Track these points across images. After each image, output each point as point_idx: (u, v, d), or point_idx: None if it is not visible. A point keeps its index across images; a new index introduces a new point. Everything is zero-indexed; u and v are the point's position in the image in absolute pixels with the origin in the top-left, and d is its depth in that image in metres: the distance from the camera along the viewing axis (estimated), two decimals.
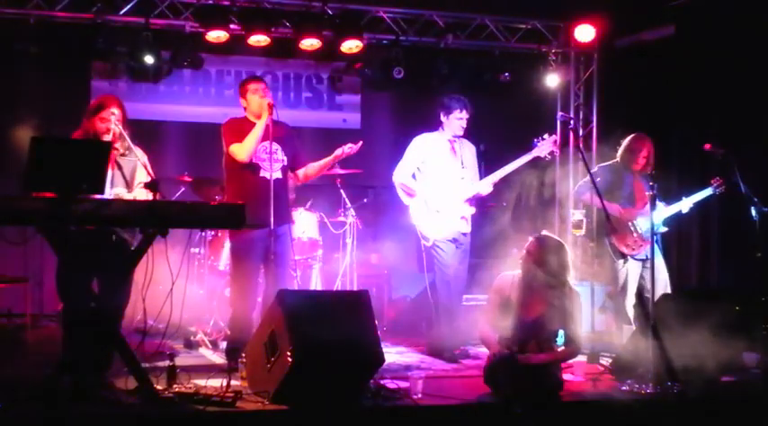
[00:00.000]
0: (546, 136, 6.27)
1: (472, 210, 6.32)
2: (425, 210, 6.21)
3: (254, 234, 5.30)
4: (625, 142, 6.54)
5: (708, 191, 6.52)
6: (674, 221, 6.73)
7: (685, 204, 6.50)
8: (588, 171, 5.90)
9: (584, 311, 5.48)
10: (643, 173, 6.48)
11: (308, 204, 7.25)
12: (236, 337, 5.45)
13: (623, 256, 6.36)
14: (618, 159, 6.56)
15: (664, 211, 6.38)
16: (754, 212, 6.02)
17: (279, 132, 5.53)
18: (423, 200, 6.22)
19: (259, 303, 5.61)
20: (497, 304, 5.06)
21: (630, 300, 6.43)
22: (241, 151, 5.39)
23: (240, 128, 5.47)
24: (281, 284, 5.27)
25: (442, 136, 6.35)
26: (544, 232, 5.17)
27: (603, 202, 5.70)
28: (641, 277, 6.41)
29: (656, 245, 6.32)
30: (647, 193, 6.30)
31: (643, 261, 6.38)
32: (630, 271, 6.39)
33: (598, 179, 6.23)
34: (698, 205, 6.59)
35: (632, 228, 6.37)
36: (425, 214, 6.21)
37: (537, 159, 6.27)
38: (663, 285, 6.29)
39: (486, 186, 6.25)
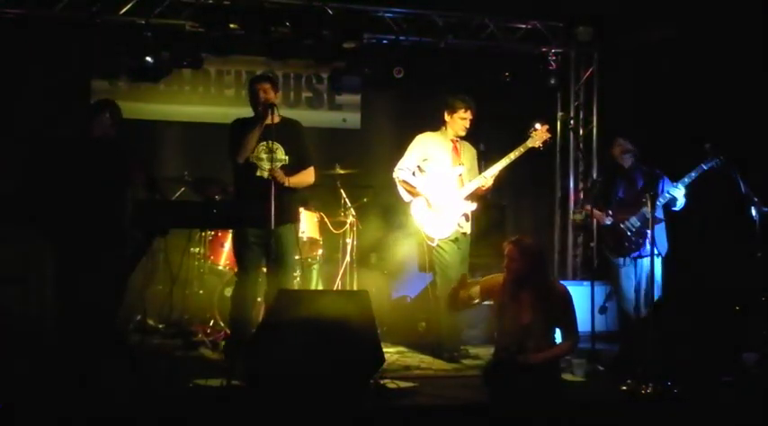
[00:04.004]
0: (538, 125, 6.28)
1: (473, 207, 6.32)
2: (428, 209, 6.21)
3: (253, 232, 5.30)
4: (610, 148, 6.63)
5: (702, 168, 6.13)
6: (675, 218, 6.72)
7: (677, 191, 6.21)
8: (589, 173, 5.90)
9: (583, 311, 5.49)
10: (636, 170, 6.50)
11: (308, 204, 7.25)
12: (234, 336, 5.45)
13: (620, 255, 6.40)
14: (609, 162, 6.63)
15: (658, 204, 6.37)
16: (754, 212, 6.01)
17: (283, 131, 5.52)
18: (425, 199, 6.22)
19: (259, 302, 5.61)
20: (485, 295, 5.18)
21: (628, 298, 6.45)
22: (236, 153, 5.42)
23: (243, 128, 5.48)
24: (281, 284, 5.27)
25: (444, 135, 6.36)
26: (518, 236, 5.17)
27: (596, 211, 5.75)
28: (635, 274, 6.45)
29: (649, 243, 6.36)
30: (639, 191, 6.33)
31: (636, 259, 6.42)
32: (626, 270, 6.42)
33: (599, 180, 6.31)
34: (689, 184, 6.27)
35: (625, 228, 6.39)
36: (428, 213, 6.20)
37: (532, 150, 6.28)
38: (657, 285, 6.33)
39: (485, 179, 6.24)
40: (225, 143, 5.58)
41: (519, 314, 4.94)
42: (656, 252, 6.26)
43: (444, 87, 7.95)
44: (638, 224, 6.33)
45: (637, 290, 6.47)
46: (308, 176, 5.66)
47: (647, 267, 6.38)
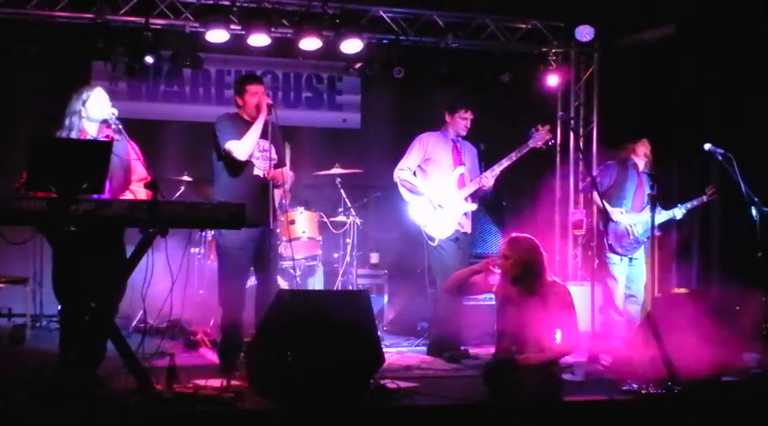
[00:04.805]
0: (540, 126, 6.29)
1: (474, 207, 6.32)
2: (429, 209, 6.20)
3: (248, 233, 5.26)
4: (633, 143, 6.61)
5: (702, 200, 6.69)
6: (674, 222, 6.82)
7: (678, 211, 6.64)
8: (589, 172, 5.92)
9: (583, 311, 5.48)
10: (644, 175, 6.56)
11: (308, 204, 7.26)
12: (228, 337, 5.43)
13: (615, 253, 6.45)
14: (625, 157, 6.63)
15: (657, 217, 6.42)
16: (754, 212, 6.03)
17: (273, 131, 5.52)
18: (426, 199, 6.22)
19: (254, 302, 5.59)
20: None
21: (620, 296, 6.50)
22: (240, 149, 5.35)
23: (235, 125, 5.45)
24: (273, 280, 5.26)
25: (445, 135, 6.36)
26: (514, 234, 5.16)
27: (605, 204, 5.80)
28: (627, 273, 6.51)
29: (643, 247, 6.50)
30: (646, 195, 6.37)
31: (631, 260, 6.49)
32: (620, 269, 6.47)
33: (598, 178, 6.37)
34: (690, 210, 6.75)
35: (629, 231, 6.44)
36: (429, 213, 6.20)
37: (534, 150, 6.28)
38: (642, 287, 6.49)
39: (486, 179, 6.24)
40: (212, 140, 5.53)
41: (518, 313, 4.93)
42: (645, 256, 6.41)
43: (444, 87, 7.98)
44: (641, 231, 6.42)
45: (627, 288, 6.54)
46: (288, 174, 5.70)
47: (639, 267, 6.47)
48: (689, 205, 6.65)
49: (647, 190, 6.44)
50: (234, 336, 5.35)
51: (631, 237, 6.45)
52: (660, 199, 6.51)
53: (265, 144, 5.38)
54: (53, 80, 7.64)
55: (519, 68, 8.42)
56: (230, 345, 5.32)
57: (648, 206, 6.39)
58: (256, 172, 5.41)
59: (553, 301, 4.92)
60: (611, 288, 6.51)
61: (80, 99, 4.88)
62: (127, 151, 4.83)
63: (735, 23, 7.21)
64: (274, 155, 5.51)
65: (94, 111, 4.85)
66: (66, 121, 4.85)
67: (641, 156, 6.59)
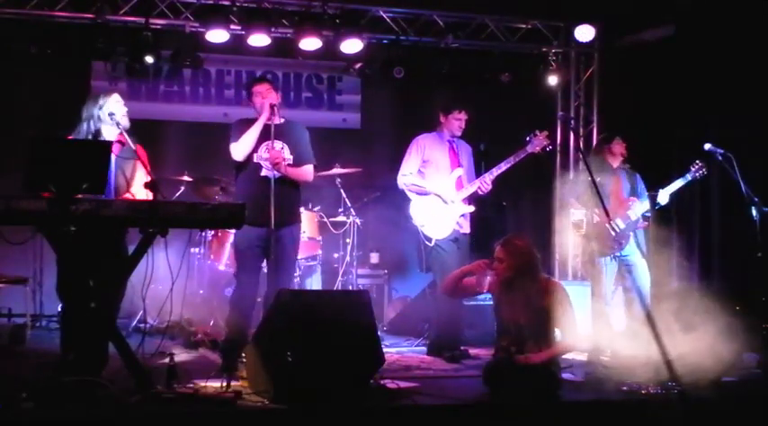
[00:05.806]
0: (537, 132, 6.30)
1: (471, 209, 6.33)
2: (428, 210, 6.21)
3: (254, 233, 5.28)
4: (609, 143, 6.58)
5: (687, 178, 6.41)
6: (671, 219, 6.78)
7: (663, 195, 6.39)
8: (590, 172, 5.89)
9: (584, 311, 5.48)
10: (621, 168, 6.55)
11: (310, 205, 7.26)
12: (232, 336, 5.43)
13: (603, 254, 6.42)
14: (597, 158, 6.62)
15: (640, 207, 6.39)
16: (754, 212, 6.02)
17: (286, 131, 5.52)
18: (435, 196, 6.23)
19: (259, 302, 5.60)
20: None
21: (608, 298, 6.47)
22: (236, 150, 5.41)
23: (245, 127, 5.47)
24: (280, 285, 5.27)
25: (441, 136, 6.37)
26: (507, 236, 5.16)
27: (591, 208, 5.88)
28: (623, 276, 6.47)
29: (634, 242, 6.39)
30: (626, 189, 6.39)
31: (622, 256, 6.45)
32: (609, 269, 6.42)
33: (581, 178, 6.37)
34: (676, 196, 6.51)
35: (610, 228, 6.40)
36: (428, 214, 6.21)
37: (531, 155, 6.28)
38: (646, 286, 6.38)
39: (485, 185, 6.25)
40: (225, 143, 5.56)
41: (515, 314, 4.94)
42: (641, 252, 6.37)
43: (444, 87, 7.98)
44: (623, 225, 6.36)
45: (627, 288, 6.51)
46: (305, 172, 5.63)
47: (631, 266, 6.43)
48: (672, 188, 6.38)
49: (627, 185, 6.44)
50: (237, 336, 5.34)
51: (613, 234, 6.40)
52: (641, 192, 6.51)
53: (275, 144, 5.37)
54: (53, 80, 7.66)
55: (519, 68, 8.42)
56: (232, 345, 5.32)
57: (631, 204, 6.42)
58: (264, 173, 5.41)
59: (550, 300, 4.92)
60: (595, 287, 6.49)
61: (97, 104, 4.91)
62: (134, 155, 4.85)
63: (735, 23, 7.21)
64: (289, 155, 5.50)
65: (113, 116, 4.87)
66: (84, 126, 4.88)
67: (618, 156, 6.58)
